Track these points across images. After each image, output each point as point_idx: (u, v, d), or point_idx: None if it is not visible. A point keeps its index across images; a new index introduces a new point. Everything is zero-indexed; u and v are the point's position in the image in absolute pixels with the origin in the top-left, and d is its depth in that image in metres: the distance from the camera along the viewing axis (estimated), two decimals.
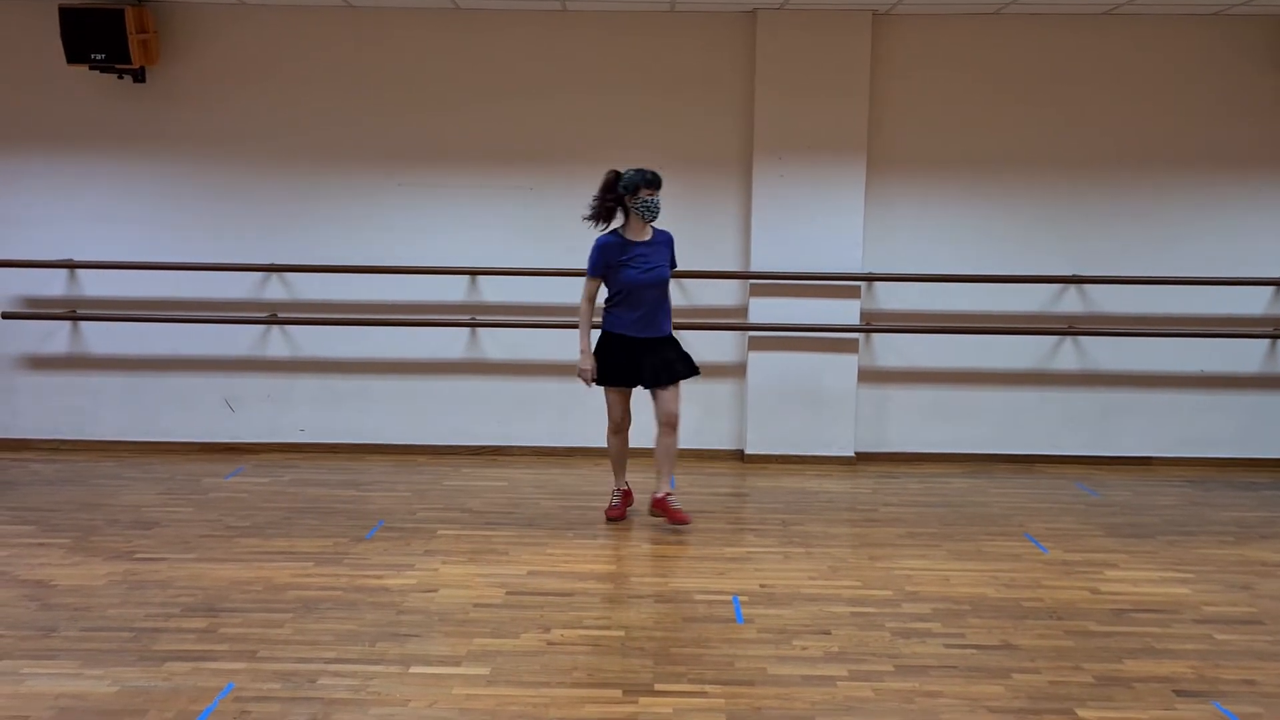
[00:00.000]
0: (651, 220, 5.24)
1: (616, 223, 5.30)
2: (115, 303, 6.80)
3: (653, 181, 5.18)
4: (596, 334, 5.41)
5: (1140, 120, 6.63)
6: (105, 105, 6.64)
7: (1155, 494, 6.25)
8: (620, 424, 5.48)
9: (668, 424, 5.33)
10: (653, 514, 5.46)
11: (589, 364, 5.30)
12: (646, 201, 5.17)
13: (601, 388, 5.41)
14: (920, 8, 6.37)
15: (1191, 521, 5.70)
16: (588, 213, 5.29)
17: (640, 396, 5.45)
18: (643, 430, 5.76)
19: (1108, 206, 6.70)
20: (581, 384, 5.58)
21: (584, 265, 6.63)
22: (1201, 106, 6.62)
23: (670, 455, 5.39)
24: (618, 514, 5.57)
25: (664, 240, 5.35)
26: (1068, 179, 6.69)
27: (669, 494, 5.39)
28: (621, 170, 5.24)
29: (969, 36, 6.57)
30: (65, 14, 6.20)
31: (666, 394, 5.30)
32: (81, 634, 4.03)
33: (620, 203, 5.23)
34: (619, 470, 5.64)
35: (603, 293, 5.37)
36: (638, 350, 5.28)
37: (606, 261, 5.21)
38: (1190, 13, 6.45)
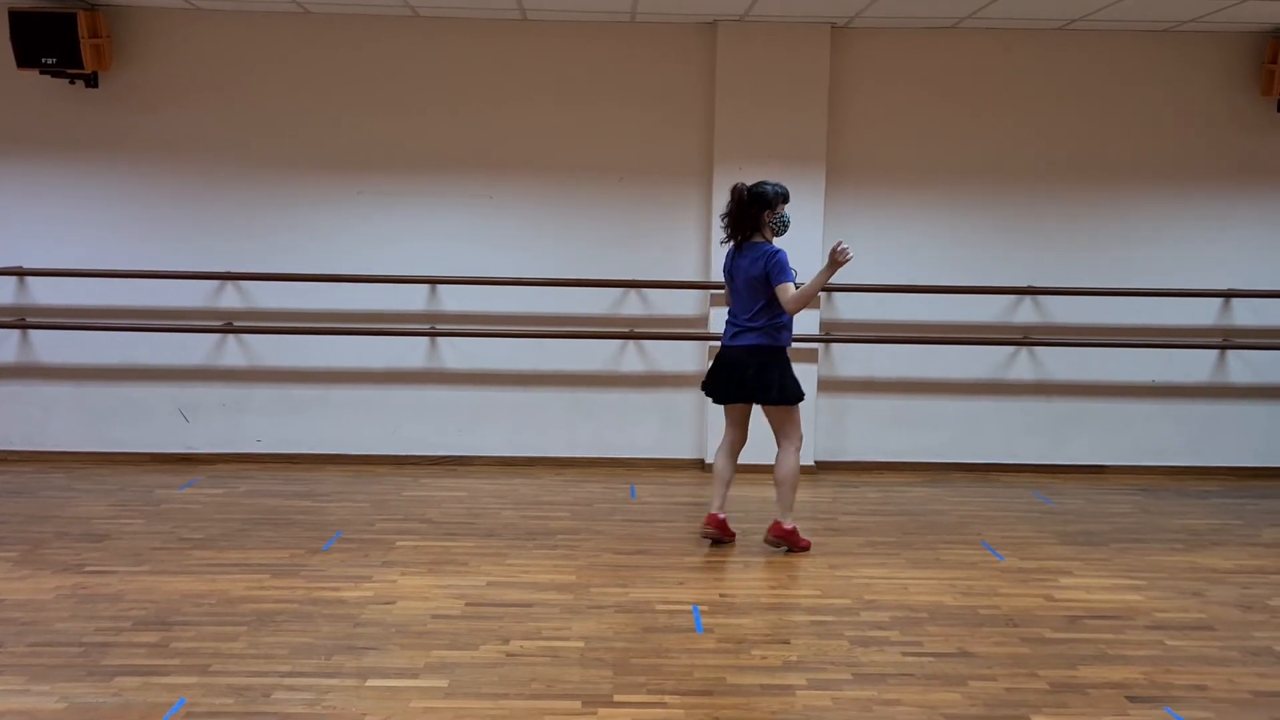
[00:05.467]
0: (782, 235, 5.11)
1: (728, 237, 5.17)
2: (66, 311, 6.69)
3: (786, 196, 5.07)
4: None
5: (1094, 134, 6.74)
6: (56, 110, 6.53)
7: (1108, 502, 6.33)
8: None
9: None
10: (713, 537, 5.38)
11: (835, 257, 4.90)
12: (783, 216, 5.07)
13: (782, 404, 5.13)
14: (878, 21, 6.43)
15: (1144, 529, 5.78)
16: (724, 234, 5.12)
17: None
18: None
19: (1062, 218, 6.80)
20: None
21: (544, 274, 6.70)
22: (1154, 120, 6.74)
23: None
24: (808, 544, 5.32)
25: None
26: (1023, 191, 6.78)
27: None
28: (748, 184, 5.06)
29: (926, 50, 6.65)
30: (15, 17, 6.09)
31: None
32: (29, 649, 3.95)
33: (756, 217, 5.04)
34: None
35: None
36: None
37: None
38: (1143, 29, 6.56)
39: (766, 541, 5.28)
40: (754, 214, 5.04)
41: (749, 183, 5.10)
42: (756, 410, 5.31)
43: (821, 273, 4.96)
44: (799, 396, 5.11)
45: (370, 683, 3.72)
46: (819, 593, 4.68)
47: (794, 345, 6.65)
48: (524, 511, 5.88)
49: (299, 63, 6.57)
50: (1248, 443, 6.99)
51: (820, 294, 6.70)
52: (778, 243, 5.11)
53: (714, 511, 5.30)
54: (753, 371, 5.07)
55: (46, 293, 6.69)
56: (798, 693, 3.70)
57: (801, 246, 6.59)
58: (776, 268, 4.97)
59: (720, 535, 5.31)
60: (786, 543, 5.24)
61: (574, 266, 6.73)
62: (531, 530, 5.52)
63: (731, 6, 6.13)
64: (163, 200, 6.64)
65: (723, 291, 6.68)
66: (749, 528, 5.59)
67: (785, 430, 5.17)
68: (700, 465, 6.89)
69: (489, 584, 4.71)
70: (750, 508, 5.98)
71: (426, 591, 4.60)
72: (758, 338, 5.08)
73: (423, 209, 6.71)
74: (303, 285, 6.70)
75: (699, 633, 4.21)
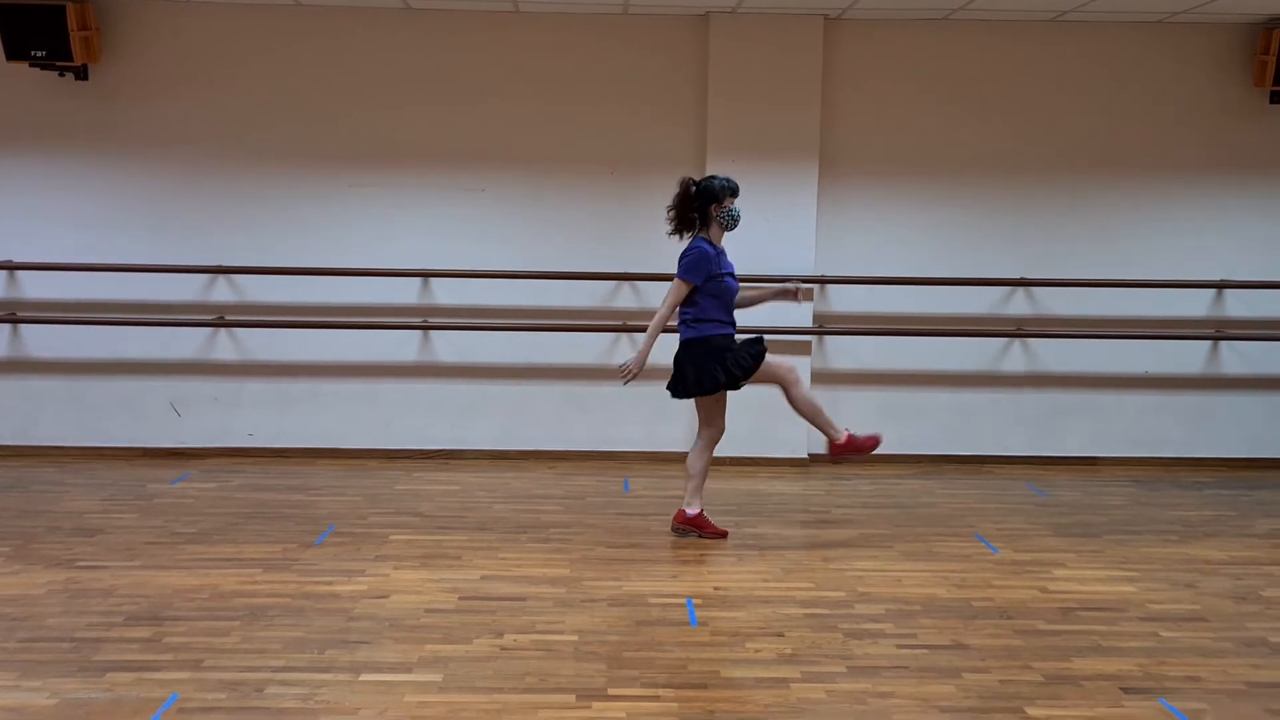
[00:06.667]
0: (732, 230, 5.12)
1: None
2: (57, 305, 6.66)
3: (735, 189, 5.06)
4: None
5: (1086, 125, 6.73)
6: (46, 103, 6.50)
7: (1102, 494, 6.33)
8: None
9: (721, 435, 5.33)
10: (686, 530, 5.35)
11: (641, 364, 5.00)
12: (730, 211, 5.05)
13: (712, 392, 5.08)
14: (871, 12, 6.42)
15: (1137, 521, 5.78)
16: (670, 227, 5.12)
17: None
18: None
19: (1055, 210, 6.80)
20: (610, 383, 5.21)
21: (537, 268, 6.67)
22: (1146, 112, 6.73)
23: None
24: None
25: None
26: (1016, 183, 6.77)
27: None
28: (697, 178, 5.08)
29: (919, 42, 6.63)
30: (4, 10, 6.06)
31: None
32: (20, 645, 3.93)
33: (703, 211, 5.06)
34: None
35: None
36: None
37: (709, 270, 5.00)
38: (1135, 20, 6.56)
39: (672, 530, 5.35)
40: (700, 208, 5.04)
41: (696, 176, 5.13)
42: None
43: (650, 342, 5.04)
44: (694, 391, 5.05)
45: (364, 677, 3.71)
46: (812, 585, 4.68)
47: (785, 338, 6.71)
48: (516, 505, 5.86)
49: (290, 55, 6.54)
50: (1241, 434, 7.00)
51: (813, 287, 6.73)
52: (728, 237, 5.15)
53: (682, 508, 5.34)
54: (676, 364, 5.11)
55: (37, 287, 6.66)
56: (792, 686, 3.69)
57: (794, 239, 6.62)
58: (684, 260, 5.03)
59: (692, 531, 5.32)
60: (693, 529, 5.30)
61: (567, 259, 6.72)
62: (524, 524, 5.51)
63: None
64: (154, 193, 6.60)
65: None
66: (741, 519, 5.60)
67: (702, 419, 5.21)
68: None
69: (482, 578, 4.70)
70: (739, 500, 5.99)
71: (419, 585, 4.59)
72: (682, 330, 5.13)
73: (415, 202, 6.69)
74: (295, 279, 6.67)
75: (693, 626, 4.21)
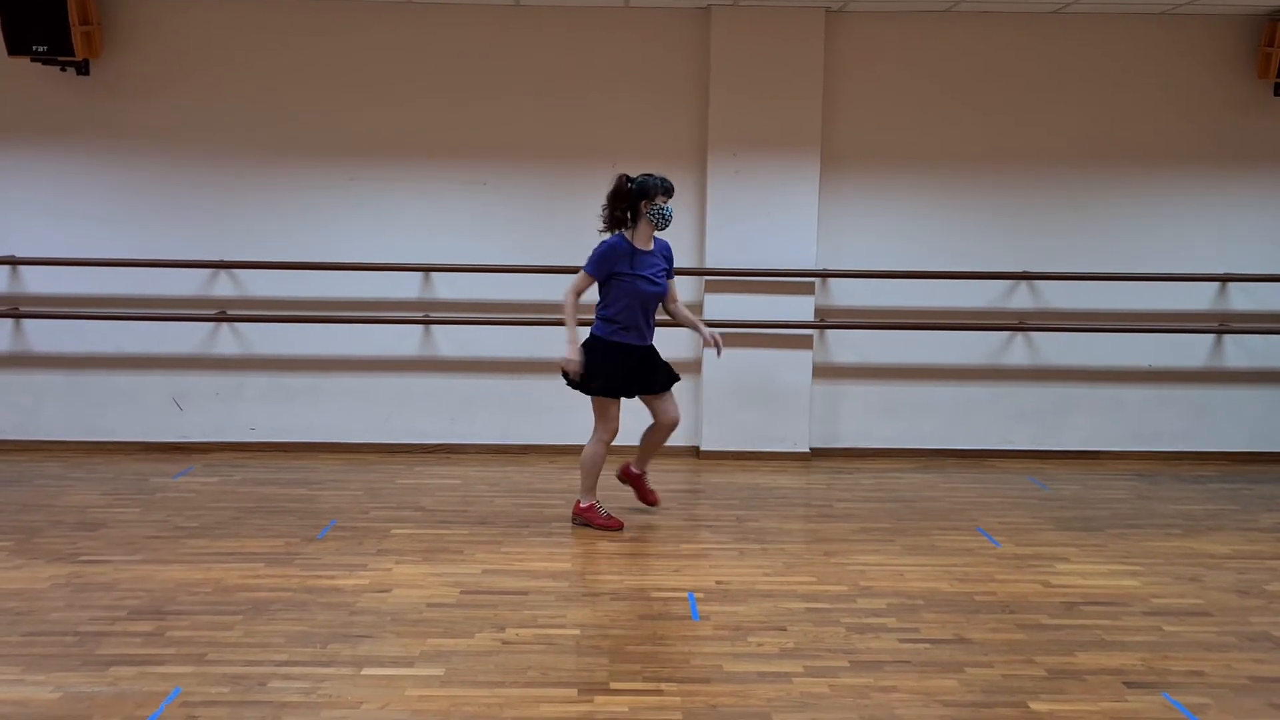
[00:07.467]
0: (663, 229, 5.12)
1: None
2: (59, 300, 6.65)
3: (668, 189, 5.06)
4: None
5: (1088, 118, 6.71)
6: (48, 98, 6.49)
7: (1104, 488, 6.33)
8: (616, 434, 5.26)
9: (672, 427, 5.33)
10: (622, 480, 5.56)
11: (577, 357, 5.05)
12: (661, 209, 5.03)
13: (589, 395, 5.16)
14: (873, 5, 6.40)
15: (1140, 515, 5.78)
16: (602, 225, 5.14)
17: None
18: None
19: (1057, 203, 6.78)
20: (561, 379, 5.21)
21: (537, 262, 6.66)
22: (1148, 104, 6.71)
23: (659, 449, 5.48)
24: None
25: (664, 250, 5.22)
26: (1018, 176, 6.76)
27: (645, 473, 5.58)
28: (633, 175, 5.11)
29: (921, 34, 6.62)
30: (6, 4, 6.04)
31: (669, 397, 5.30)
32: (23, 639, 3.94)
33: (633, 208, 5.07)
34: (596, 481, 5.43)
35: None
36: (641, 357, 5.16)
37: (613, 266, 5.00)
38: (1137, 12, 6.54)
39: (572, 520, 5.46)
40: (632, 204, 5.06)
41: (633, 173, 5.16)
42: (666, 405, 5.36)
43: (570, 333, 5.08)
44: (597, 391, 5.10)
45: (366, 671, 3.71)
46: (815, 580, 4.68)
47: (786, 331, 6.70)
48: (518, 499, 5.86)
49: (292, 49, 6.53)
50: (1244, 428, 6.99)
51: (815, 280, 6.72)
52: (662, 235, 5.21)
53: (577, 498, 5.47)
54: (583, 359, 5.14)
55: (39, 282, 6.65)
56: (794, 680, 3.69)
57: (795, 232, 6.62)
58: (591, 253, 5.08)
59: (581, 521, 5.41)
60: (584, 520, 5.36)
61: (568, 253, 6.67)
62: (526, 518, 5.51)
63: None
64: (155, 188, 6.60)
65: (718, 278, 6.70)
66: (743, 513, 5.60)
67: (595, 419, 5.23)
68: (695, 452, 6.88)
69: (484, 572, 4.70)
70: (741, 494, 5.99)
71: (421, 580, 4.59)
72: (594, 323, 5.18)
73: (416, 196, 6.68)
74: (296, 273, 6.66)
75: (695, 620, 4.21)
